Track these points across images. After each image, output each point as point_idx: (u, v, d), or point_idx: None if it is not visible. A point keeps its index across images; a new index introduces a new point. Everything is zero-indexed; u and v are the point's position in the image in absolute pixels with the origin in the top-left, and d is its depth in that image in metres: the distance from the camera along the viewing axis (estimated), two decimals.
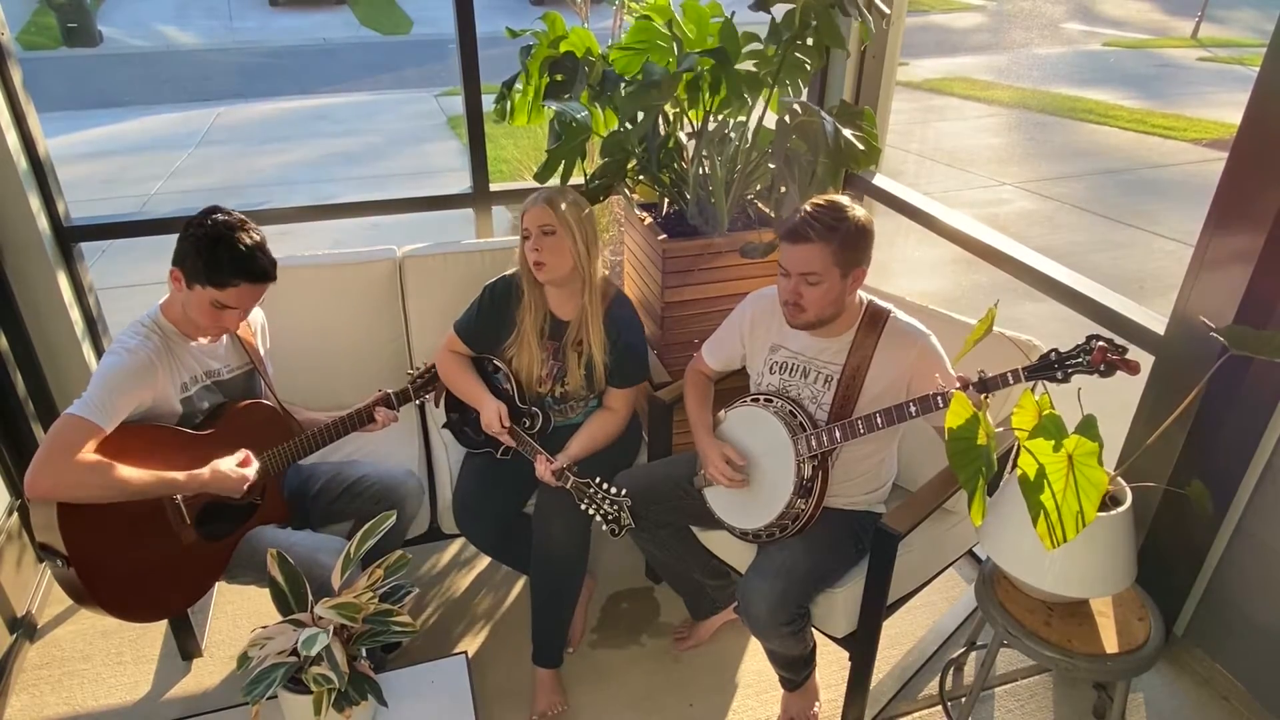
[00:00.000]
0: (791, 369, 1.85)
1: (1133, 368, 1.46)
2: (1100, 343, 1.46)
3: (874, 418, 1.67)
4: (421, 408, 2.45)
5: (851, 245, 1.67)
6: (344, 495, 2.02)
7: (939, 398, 1.59)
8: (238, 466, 1.78)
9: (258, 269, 1.72)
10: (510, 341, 2.09)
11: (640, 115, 2.25)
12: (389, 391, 2.08)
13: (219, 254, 1.68)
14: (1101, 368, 1.45)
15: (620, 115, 2.33)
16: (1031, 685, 2.11)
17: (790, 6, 2.17)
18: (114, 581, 1.68)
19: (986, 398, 1.55)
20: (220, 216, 1.71)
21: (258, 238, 1.73)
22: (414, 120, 8.53)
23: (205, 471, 1.73)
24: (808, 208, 1.70)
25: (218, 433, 1.82)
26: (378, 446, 2.24)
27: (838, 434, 1.71)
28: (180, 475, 1.69)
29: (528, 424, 2.08)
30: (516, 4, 13.27)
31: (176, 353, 1.78)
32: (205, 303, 1.71)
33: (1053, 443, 1.37)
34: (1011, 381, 1.53)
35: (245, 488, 1.80)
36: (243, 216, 1.74)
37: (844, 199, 1.72)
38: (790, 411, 1.77)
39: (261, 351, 2.02)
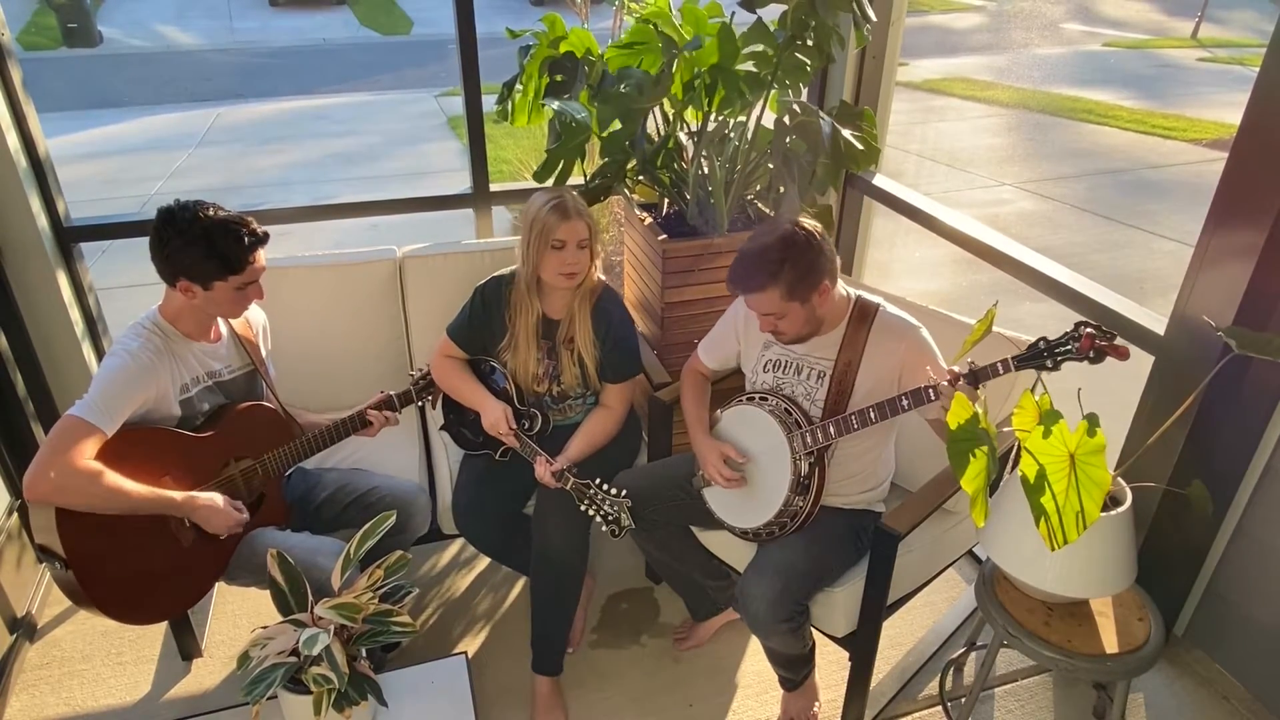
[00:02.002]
0: (785, 366, 1.85)
1: (1121, 353, 1.46)
2: (1088, 329, 1.46)
3: (867, 412, 1.68)
4: (422, 409, 2.45)
5: (798, 280, 1.67)
6: (353, 506, 2.02)
7: (930, 390, 1.59)
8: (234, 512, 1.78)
9: (258, 232, 1.74)
10: (505, 344, 2.08)
11: (626, 119, 2.25)
12: (391, 393, 2.08)
13: (221, 245, 1.68)
14: (1090, 354, 1.46)
15: (600, 119, 2.33)
16: (1031, 685, 2.11)
17: (783, 8, 2.17)
18: (113, 584, 1.68)
19: (981, 391, 1.55)
20: (184, 214, 1.68)
21: (223, 208, 1.73)
22: (414, 120, 8.52)
23: (202, 496, 1.73)
24: (744, 253, 1.71)
25: (218, 434, 1.82)
26: (377, 447, 2.23)
27: (832, 429, 1.71)
28: (178, 496, 1.69)
29: (527, 425, 2.07)
30: (516, 4, 13.27)
31: (178, 353, 1.78)
32: (231, 292, 1.74)
33: (1054, 440, 1.37)
34: (1001, 371, 1.53)
35: (227, 532, 1.79)
36: (193, 200, 1.71)
37: (781, 227, 1.69)
38: (785, 409, 1.78)
39: (263, 352, 2.02)
